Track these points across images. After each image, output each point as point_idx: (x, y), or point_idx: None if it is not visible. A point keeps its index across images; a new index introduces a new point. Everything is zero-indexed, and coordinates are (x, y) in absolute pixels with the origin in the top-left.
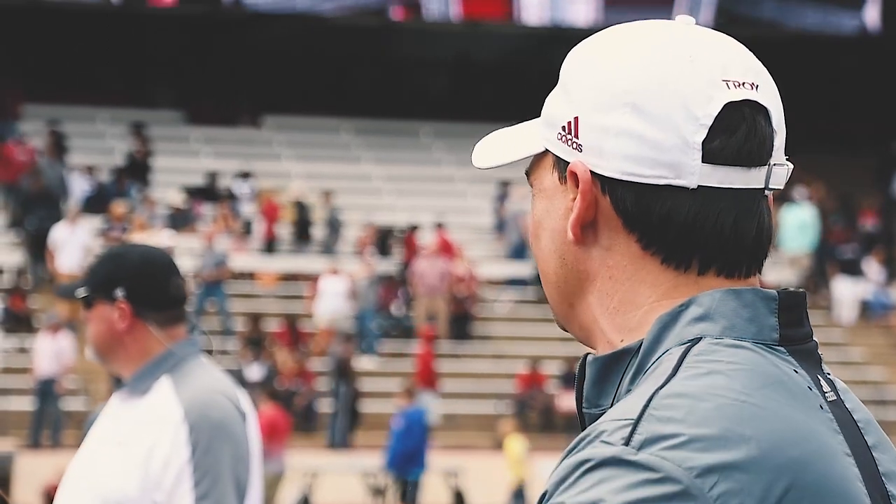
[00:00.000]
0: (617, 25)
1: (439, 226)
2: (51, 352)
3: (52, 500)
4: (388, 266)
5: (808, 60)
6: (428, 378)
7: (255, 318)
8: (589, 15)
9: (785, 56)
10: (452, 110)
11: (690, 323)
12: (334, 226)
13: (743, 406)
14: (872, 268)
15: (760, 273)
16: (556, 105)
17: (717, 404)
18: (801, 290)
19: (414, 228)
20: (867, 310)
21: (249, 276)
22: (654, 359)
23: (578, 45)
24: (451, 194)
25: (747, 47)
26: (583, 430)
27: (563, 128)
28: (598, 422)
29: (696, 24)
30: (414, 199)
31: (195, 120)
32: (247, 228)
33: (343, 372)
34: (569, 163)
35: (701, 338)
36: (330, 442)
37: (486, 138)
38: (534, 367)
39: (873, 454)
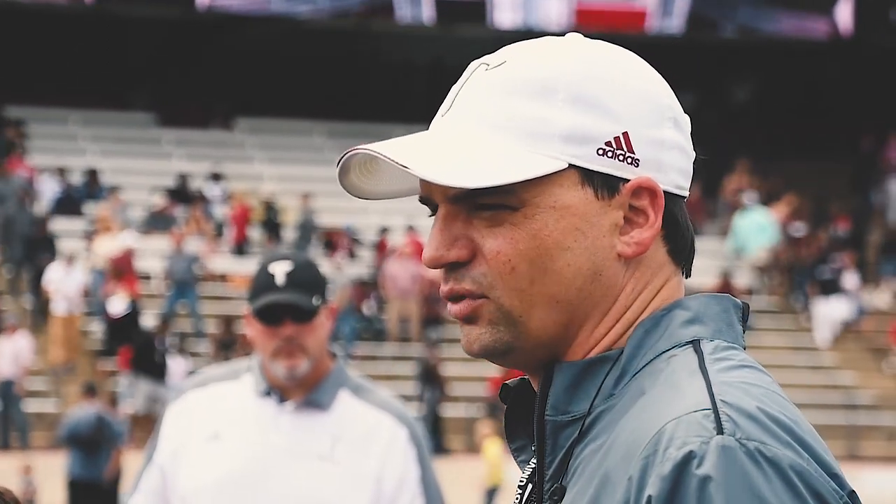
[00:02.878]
0: (572, 38)
1: (411, 228)
2: (8, 353)
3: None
4: (360, 269)
5: (780, 65)
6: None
7: (228, 321)
8: (561, 18)
9: (757, 61)
10: (425, 113)
11: (683, 325)
12: (307, 228)
13: (775, 395)
14: (849, 279)
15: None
16: (581, 121)
17: (763, 392)
18: (746, 302)
19: (386, 231)
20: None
21: (221, 278)
22: (641, 362)
23: (571, 56)
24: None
25: (719, 52)
26: (538, 439)
27: (608, 143)
28: (636, 429)
29: (670, 28)
30: (386, 202)
31: (167, 122)
32: (219, 231)
33: (429, 376)
34: (619, 178)
35: (698, 339)
36: None
37: (414, 148)
38: (506, 371)
39: None
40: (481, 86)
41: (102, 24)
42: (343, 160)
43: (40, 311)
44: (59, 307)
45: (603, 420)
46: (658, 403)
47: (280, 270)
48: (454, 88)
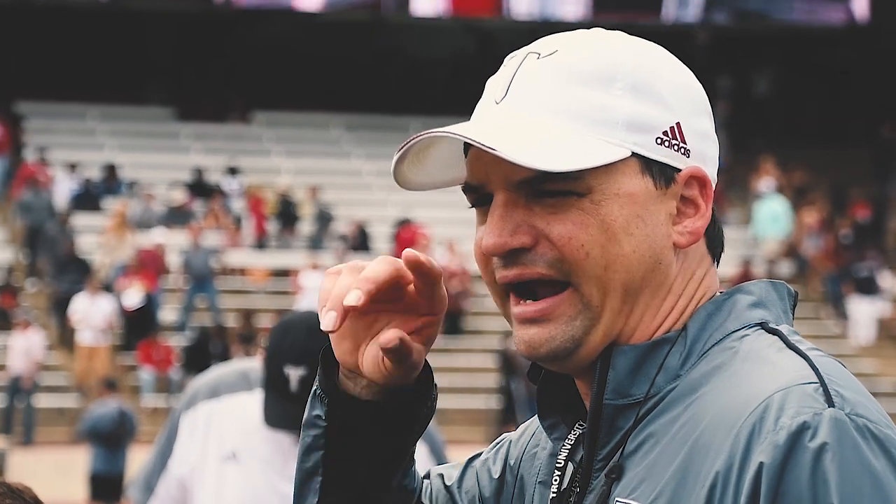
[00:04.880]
0: (619, 34)
1: (408, 221)
2: (21, 348)
3: None
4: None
5: (797, 53)
6: None
7: (247, 315)
8: (578, 9)
9: (774, 48)
10: (442, 105)
11: (749, 308)
12: (323, 220)
13: (855, 378)
14: (885, 277)
15: None
16: (641, 110)
17: (849, 374)
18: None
19: (403, 223)
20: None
21: (240, 272)
22: (708, 343)
23: (622, 47)
24: (442, 189)
25: (736, 40)
26: (591, 422)
27: (665, 133)
28: (731, 399)
29: (686, 17)
30: (404, 195)
31: (185, 116)
32: (237, 224)
33: (511, 368)
34: (673, 168)
35: (766, 321)
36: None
37: (485, 131)
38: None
39: None
40: (537, 74)
41: (120, 18)
42: (407, 147)
43: (66, 337)
44: (84, 337)
45: (672, 397)
46: (755, 376)
47: (295, 376)
48: (503, 76)
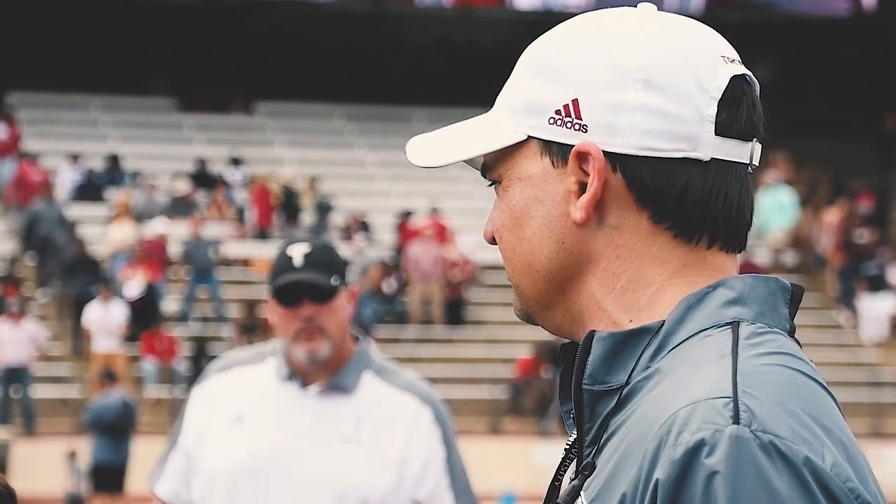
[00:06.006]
0: (587, 13)
1: (434, 210)
2: (17, 339)
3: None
4: (381, 251)
5: (802, 43)
6: None
7: (250, 305)
8: None
9: (778, 39)
10: (445, 95)
11: (724, 305)
12: (323, 211)
13: (804, 387)
14: (894, 274)
15: (744, 249)
16: (540, 91)
17: (791, 383)
18: (800, 285)
19: (407, 214)
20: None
21: (243, 262)
22: (679, 338)
23: (550, 32)
24: (445, 179)
25: (739, 30)
26: (576, 407)
27: (558, 112)
28: (657, 407)
29: (688, 8)
30: (407, 185)
31: (188, 107)
32: (240, 215)
33: (557, 359)
34: (568, 146)
35: (738, 321)
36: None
37: (421, 139)
38: (536, 352)
39: None
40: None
41: (122, 9)
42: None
43: (79, 344)
44: (99, 345)
45: (636, 394)
46: (680, 384)
47: (298, 252)
48: None
